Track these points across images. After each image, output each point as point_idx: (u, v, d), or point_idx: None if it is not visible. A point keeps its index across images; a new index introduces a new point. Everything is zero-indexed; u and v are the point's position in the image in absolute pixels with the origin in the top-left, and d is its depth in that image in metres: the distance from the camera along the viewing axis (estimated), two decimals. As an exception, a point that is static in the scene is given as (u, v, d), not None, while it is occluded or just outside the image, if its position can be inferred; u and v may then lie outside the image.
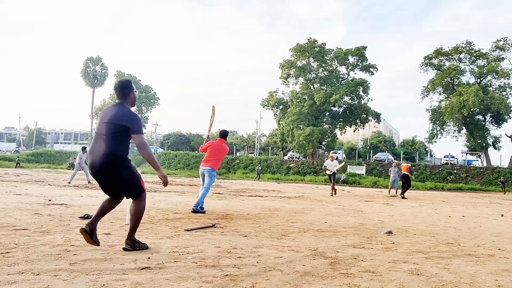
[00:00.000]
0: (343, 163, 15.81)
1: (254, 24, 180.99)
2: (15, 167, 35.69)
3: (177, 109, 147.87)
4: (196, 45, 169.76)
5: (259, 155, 52.68)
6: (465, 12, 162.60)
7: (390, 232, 5.34)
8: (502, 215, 9.21)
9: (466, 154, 46.31)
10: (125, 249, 3.42)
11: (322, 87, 44.25)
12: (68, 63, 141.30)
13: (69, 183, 13.73)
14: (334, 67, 46.64)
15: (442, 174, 37.32)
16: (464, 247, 4.55)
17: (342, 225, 6.07)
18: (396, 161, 20.21)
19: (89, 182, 14.39)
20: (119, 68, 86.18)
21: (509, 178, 33.37)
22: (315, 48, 44.48)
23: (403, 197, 14.98)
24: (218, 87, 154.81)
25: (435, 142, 44.48)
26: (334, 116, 45.50)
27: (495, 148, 41.70)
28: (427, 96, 43.43)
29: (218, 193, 12.57)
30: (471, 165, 41.50)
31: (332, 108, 44.86)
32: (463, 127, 41.84)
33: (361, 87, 43.10)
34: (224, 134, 7.52)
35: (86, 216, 5.33)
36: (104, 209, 3.50)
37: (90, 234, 3.30)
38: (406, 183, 15.26)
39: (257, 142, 57.94)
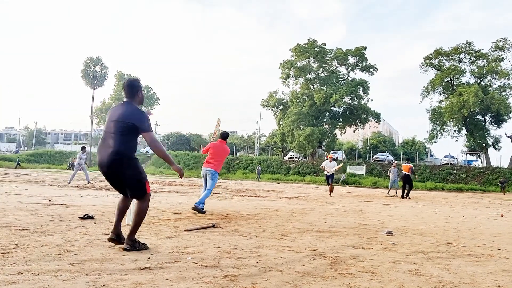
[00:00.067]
0: (341, 164, 15.75)
1: (254, 24, 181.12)
2: (15, 167, 35.70)
3: (177, 109, 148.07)
4: (196, 45, 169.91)
5: (259, 155, 52.67)
6: (465, 12, 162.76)
7: (390, 233, 5.34)
8: (502, 215, 9.22)
9: (466, 154, 46.32)
10: (125, 249, 3.43)
11: (322, 87, 44.26)
12: (68, 63, 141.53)
13: (69, 183, 13.72)
14: (334, 68, 46.66)
15: (442, 174, 37.33)
16: (464, 247, 4.55)
17: (342, 225, 6.07)
18: (396, 161, 20.19)
19: (89, 182, 14.39)
20: (119, 68, 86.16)
21: (509, 179, 33.38)
22: (315, 49, 44.50)
23: (409, 198, 14.93)
24: (218, 87, 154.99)
25: (435, 142, 44.52)
26: (334, 116, 45.51)
27: (495, 148, 41.72)
28: (427, 96, 43.48)
29: (218, 193, 12.56)
30: (471, 165, 41.50)
31: (332, 108, 44.87)
32: (463, 128, 41.85)
33: (361, 87, 43.12)
34: (224, 136, 7.58)
35: (86, 216, 5.32)
36: (121, 211, 3.63)
37: (118, 240, 3.46)
38: (407, 184, 15.23)
39: (257, 143, 57.93)
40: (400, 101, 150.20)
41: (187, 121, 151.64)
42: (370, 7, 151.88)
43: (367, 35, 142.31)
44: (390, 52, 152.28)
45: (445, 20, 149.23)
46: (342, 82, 45.47)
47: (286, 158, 48.62)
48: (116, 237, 3.55)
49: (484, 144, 40.86)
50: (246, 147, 60.97)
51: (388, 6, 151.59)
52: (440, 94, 43.30)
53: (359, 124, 45.26)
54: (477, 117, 41.47)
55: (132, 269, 2.86)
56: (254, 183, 27.76)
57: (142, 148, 53.79)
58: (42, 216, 5.34)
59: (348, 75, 46.40)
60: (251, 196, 12.43)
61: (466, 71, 41.41)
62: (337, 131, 46.69)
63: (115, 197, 9.23)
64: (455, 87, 40.87)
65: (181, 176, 3.81)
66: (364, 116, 44.23)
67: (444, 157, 44.38)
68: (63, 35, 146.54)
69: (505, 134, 41.19)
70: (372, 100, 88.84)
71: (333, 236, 4.90)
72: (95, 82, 50.64)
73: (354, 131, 48.91)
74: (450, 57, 41.52)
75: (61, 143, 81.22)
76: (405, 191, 15.32)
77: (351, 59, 45.38)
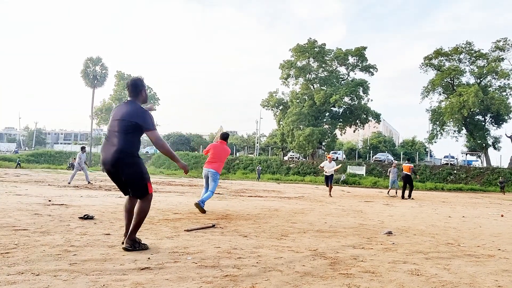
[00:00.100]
0: (340, 165, 15.68)
1: (254, 24, 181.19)
2: (15, 168, 35.71)
3: (177, 109, 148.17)
4: (196, 45, 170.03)
5: (259, 155, 52.67)
6: (465, 12, 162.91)
7: (390, 233, 5.34)
8: (502, 216, 9.21)
9: (466, 154, 46.33)
10: (125, 249, 3.43)
11: (322, 87, 44.26)
12: (68, 63, 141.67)
13: (69, 183, 13.72)
14: (334, 68, 46.66)
15: (442, 174, 37.33)
16: (464, 247, 4.55)
17: (342, 225, 6.07)
18: (396, 162, 20.19)
19: (89, 182, 14.39)
20: (119, 68, 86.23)
21: (509, 179, 33.38)
22: (315, 49, 44.51)
23: (412, 199, 14.90)
24: (218, 87, 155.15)
25: (435, 142, 44.53)
26: (334, 116, 45.51)
27: (495, 148, 41.72)
28: (427, 97, 43.50)
29: (218, 193, 12.55)
30: (471, 165, 41.50)
31: (332, 108, 44.87)
32: (463, 128, 41.85)
33: (361, 88, 43.12)
34: (225, 136, 7.61)
35: (86, 216, 5.32)
36: (129, 212, 3.62)
37: (133, 248, 3.46)
38: (408, 184, 15.21)
39: (257, 143, 57.94)
40: (400, 101, 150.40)
41: (187, 121, 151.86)
42: (370, 7, 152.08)
43: (367, 35, 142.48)
44: (390, 52, 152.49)
45: (445, 20, 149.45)
46: (342, 82, 45.47)
47: (286, 158, 48.63)
48: (132, 242, 3.61)
49: (484, 144, 40.86)
50: (246, 147, 60.98)
51: (388, 6, 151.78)
52: (440, 94, 43.33)
53: (359, 124, 45.26)
54: (477, 117, 41.47)
55: (132, 269, 2.86)
56: (254, 183, 27.76)
57: (142, 148, 53.80)
58: (42, 216, 5.34)
59: (348, 75, 46.42)
60: (251, 196, 12.43)
61: (466, 71, 41.44)
62: (337, 131, 46.69)
63: (115, 197, 9.23)
64: (455, 87, 40.87)
65: (186, 172, 3.90)
66: (364, 116, 44.23)
67: (444, 157, 44.38)
68: (63, 35, 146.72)
69: (505, 134, 41.24)
70: (372, 100, 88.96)
71: (333, 236, 4.90)
72: (95, 82, 50.63)
73: (354, 131, 48.93)
74: (450, 57, 41.53)
75: (61, 143, 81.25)
76: (406, 192, 15.31)
77: (351, 59, 45.39)
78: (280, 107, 48.22)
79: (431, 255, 3.97)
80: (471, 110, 37.71)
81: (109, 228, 4.62)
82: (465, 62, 41.64)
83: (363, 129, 50.88)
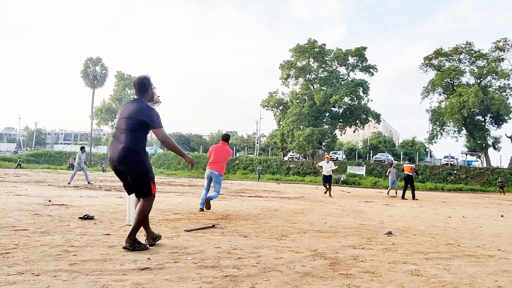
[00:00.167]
0: (336, 167, 15.54)
1: (254, 24, 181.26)
2: (16, 168, 35.73)
3: (177, 109, 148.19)
4: (196, 45, 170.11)
5: (259, 155, 52.68)
6: (465, 12, 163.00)
7: (390, 233, 5.34)
8: (502, 216, 9.21)
9: (466, 154, 46.35)
10: (125, 248, 3.43)
11: (322, 87, 44.27)
12: (68, 63, 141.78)
13: (69, 183, 13.72)
14: (334, 68, 46.67)
15: (442, 174, 37.34)
16: (464, 247, 4.55)
17: (342, 225, 6.07)
18: (395, 162, 20.20)
19: (89, 182, 14.39)
20: (119, 68, 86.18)
21: (509, 179, 33.38)
22: (315, 49, 44.52)
23: (416, 199, 14.82)
24: (218, 87, 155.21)
25: (435, 142, 44.57)
26: (334, 116, 45.52)
27: (495, 148, 41.73)
28: (427, 97, 43.52)
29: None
30: (471, 165, 41.51)
31: (332, 108, 44.88)
32: (463, 128, 41.86)
33: (361, 88, 43.13)
34: (226, 137, 7.71)
35: (86, 216, 5.32)
36: None
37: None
38: (409, 184, 15.17)
39: (257, 143, 57.95)
40: (400, 101, 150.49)
41: (187, 121, 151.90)
42: (370, 7, 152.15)
43: (367, 35, 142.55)
44: (390, 52, 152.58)
45: (445, 20, 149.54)
46: (342, 82, 45.48)
47: (286, 158, 48.63)
48: (152, 240, 3.73)
49: (484, 145, 40.87)
50: (246, 147, 60.99)
51: (388, 6, 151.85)
52: (440, 94, 43.35)
53: (359, 124, 45.27)
54: (477, 117, 41.48)
55: (132, 269, 2.86)
56: (254, 183, 27.75)
57: (142, 148, 53.72)
58: (42, 216, 5.34)
59: (348, 75, 46.43)
60: (251, 196, 12.43)
61: (466, 72, 41.46)
62: (337, 132, 46.70)
63: (115, 197, 9.23)
64: (455, 88, 40.89)
65: (193, 165, 4.03)
66: (364, 116, 44.24)
67: (444, 158, 44.37)
68: (63, 35, 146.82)
69: (505, 134, 41.25)
70: (372, 100, 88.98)
71: (333, 237, 4.90)
72: (95, 82, 50.64)
73: (354, 132, 48.94)
74: (450, 57, 41.55)
75: (61, 144, 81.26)
76: (407, 192, 15.28)
77: (351, 60, 45.41)
78: (280, 107, 48.23)
79: (431, 255, 3.97)
80: (471, 110, 37.72)
81: (109, 228, 4.61)
82: (465, 62, 41.66)
83: (363, 129, 50.92)
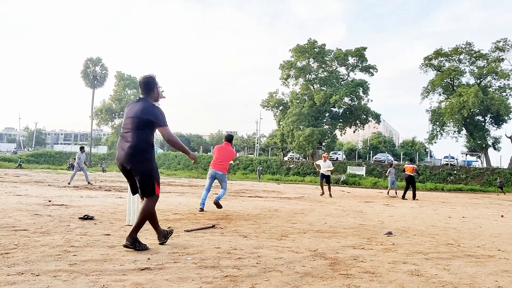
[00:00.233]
0: (332, 168, 15.36)
1: (254, 24, 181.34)
2: (16, 168, 35.76)
3: (177, 109, 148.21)
4: (196, 45, 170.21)
5: (259, 155, 52.69)
6: (465, 12, 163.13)
7: (390, 233, 5.34)
8: (502, 216, 9.21)
9: (466, 155, 46.37)
10: (125, 246, 3.44)
11: (322, 87, 44.28)
12: (68, 63, 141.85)
13: (69, 183, 13.72)
14: (334, 68, 46.69)
15: (442, 175, 37.34)
16: (464, 248, 4.55)
17: (342, 226, 6.07)
18: (395, 162, 20.23)
19: (89, 183, 14.39)
20: (119, 69, 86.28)
21: (509, 179, 33.37)
22: (315, 49, 44.53)
23: (416, 199, 14.80)
24: (218, 87, 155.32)
25: (435, 143, 44.59)
26: (334, 116, 45.53)
27: (495, 149, 41.74)
28: (427, 97, 43.55)
29: (218, 193, 12.54)
30: (471, 166, 41.52)
31: (332, 108, 44.90)
32: (463, 128, 41.87)
33: (361, 88, 43.15)
34: (229, 138, 7.76)
35: (86, 217, 5.32)
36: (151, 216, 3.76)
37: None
38: (411, 185, 15.15)
39: (257, 143, 57.95)
40: (400, 101, 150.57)
41: (187, 121, 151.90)
42: (370, 7, 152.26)
43: (367, 35, 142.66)
44: (390, 52, 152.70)
45: (445, 20, 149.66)
46: (342, 82, 45.49)
47: (286, 158, 48.65)
48: (164, 238, 3.81)
49: (484, 145, 40.87)
50: (246, 147, 61.00)
51: (388, 6, 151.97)
52: (440, 94, 43.36)
53: (359, 124, 45.27)
54: (477, 117, 41.49)
55: (132, 269, 2.86)
56: (254, 183, 27.75)
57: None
58: (42, 216, 5.34)
59: (348, 75, 46.45)
60: (251, 196, 12.43)
61: (466, 72, 41.47)
62: (337, 132, 46.72)
63: (115, 197, 9.23)
64: (455, 88, 40.90)
65: (195, 162, 4.21)
66: (364, 116, 44.25)
67: (444, 158, 44.39)
68: (63, 35, 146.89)
69: (505, 134, 41.26)
70: (372, 100, 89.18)
71: (333, 237, 4.90)
72: (95, 82, 50.65)
73: (354, 132, 48.94)
74: (450, 57, 41.57)
75: (61, 144, 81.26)
76: (408, 192, 15.27)
77: (351, 60, 45.43)
78: (280, 108, 48.24)
79: (431, 255, 3.97)
80: (471, 110, 37.72)
81: (109, 229, 4.61)
82: (465, 63, 41.68)
83: (363, 129, 50.92)
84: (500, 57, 39.80)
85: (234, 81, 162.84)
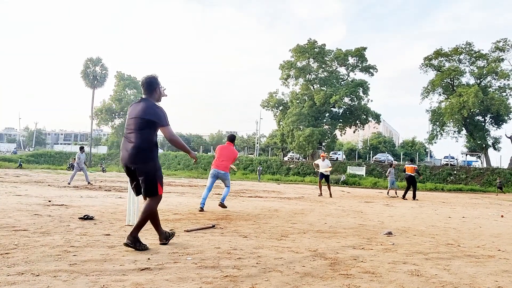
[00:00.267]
0: (331, 167, 15.26)
1: (254, 24, 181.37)
2: (17, 168, 35.78)
3: (177, 109, 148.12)
4: (196, 45, 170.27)
5: (259, 155, 52.69)
6: (465, 12, 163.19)
7: (390, 233, 5.34)
8: (502, 216, 9.21)
9: (466, 155, 46.37)
10: (125, 244, 3.44)
11: (322, 88, 44.29)
12: (68, 63, 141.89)
13: (69, 184, 13.72)
14: (334, 68, 46.70)
15: (442, 175, 37.34)
16: (464, 248, 4.55)
17: (342, 226, 6.06)
18: (395, 162, 20.26)
19: (88, 183, 14.39)
20: (119, 69, 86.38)
21: (509, 179, 33.37)
22: (315, 49, 44.54)
23: (416, 200, 14.76)
24: (218, 87, 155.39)
25: (435, 143, 44.57)
26: (334, 117, 45.53)
27: (495, 149, 41.74)
28: (427, 97, 43.55)
29: (219, 194, 12.55)
30: (471, 166, 41.52)
31: (332, 109, 44.90)
32: (463, 128, 41.88)
33: (361, 88, 43.16)
34: (232, 138, 7.85)
35: (86, 217, 5.32)
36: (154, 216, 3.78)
37: (167, 241, 3.73)
38: (412, 185, 15.13)
39: (257, 143, 57.96)
40: (400, 101, 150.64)
41: (187, 121, 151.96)
42: (370, 7, 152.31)
43: (367, 35, 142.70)
44: (390, 52, 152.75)
45: (445, 20, 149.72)
46: (342, 82, 45.50)
47: (286, 158, 48.64)
48: (165, 239, 3.81)
49: (484, 145, 40.88)
50: (246, 147, 61.00)
51: (388, 6, 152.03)
52: (440, 94, 43.37)
53: (359, 124, 45.28)
54: (477, 117, 41.50)
55: (132, 269, 2.86)
56: (254, 183, 27.75)
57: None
58: (42, 216, 5.34)
59: (348, 75, 46.45)
60: (251, 196, 12.44)
61: (466, 72, 41.48)
62: (337, 132, 46.72)
63: (115, 197, 9.23)
64: (455, 88, 40.90)
65: (196, 161, 4.27)
66: (364, 116, 44.26)
67: (444, 158, 44.40)
68: (63, 35, 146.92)
69: (505, 134, 41.27)
70: (372, 100, 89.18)
71: (333, 237, 4.90)
72: (95, 82, 50.68)
73: (354, 132, 48.95)
74: (450, 57, 41.58)
75: (61, 144, 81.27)
76: (408, 192, 15.26)
77: (351, 60, 45.44)
78: (280, 108, 48.25)
79: (431, 255, 3.97)
80: (471, 110, 37.73)
81: (109, 229, 4.61)
82: (465, 63, 41.69)
83: (363, 129, 50.93)
84: (500, 57, 39.81)
85: (234, 81, 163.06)
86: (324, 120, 45.23)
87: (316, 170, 14.80)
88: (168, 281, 2.63)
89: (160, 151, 52.49)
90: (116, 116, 57.27)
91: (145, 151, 3.55)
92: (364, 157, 48.73)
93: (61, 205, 6.93)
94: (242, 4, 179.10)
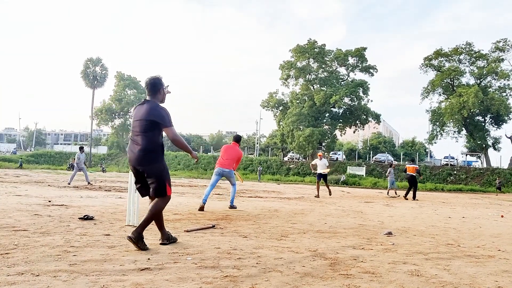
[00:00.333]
0: (329, 169, 15.12)
1: (254, 24, 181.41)
2: (17, 168, 35.79)
3: (177, 109, 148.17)
4: (196, 45, 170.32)
5: (259, 156, 52.69)
6: (465, 12, 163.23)
7: (390, 233, 5.34)
8: (502, 216, 9.21)
9: (466, 155, 46.37)
10: (129, 238, 3.46)
11: (322, 88, 44.30)
12: (68, 64, 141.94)
13: (69, 184, 13.72)
14: (334, 68, 46.71)
15: (442, 175, 37.34)
16: (464, 248, 4.55)
17: (342, 226, 6.06)
18: (395, 162, 20.28)
19: (88, 183, 14.39)
20: (119, 69, 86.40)
21: (508, 179, 33.37)
22: (315, 49, 44.55)
23: (416, 200, 14.74)
24: (218, 87, 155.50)
25: (435, 143, 44.58)
26: (334, 117, 45.54)
27: (495, 149, 41.76)
28: (427, 97, 43.59)
29: (218, 194, 12.55)
30: (471, 166, 41.52)
31: (332, 109, 44.90)
32: (463, 128, 41.89)
33: (361, 88, 43.17)
34: (237, 138, 8.00)
35: (86, 217, 5.32)
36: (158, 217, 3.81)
37: (168, 242, 3.80)
38: (413, 185, 15.12)
39: (257, 143, 57.96)
40: (400, 101, 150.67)
41: (187, 121, 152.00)
42: (370, 7, 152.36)
43: (367, 35, 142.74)
44: (390, 52, 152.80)
45: (445, 20, 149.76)
46: (342, 82, 45.51)
47: (286, 158, 48.65)
48: (167, 240, 3.83)
49: (484, 145, 40.89)
50: (246, 147, 61.00)
51: (388, 6, 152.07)
52: (440, 95, 43.40)
53: (359, 124, 45.29)
54: (477, 118, 41.51)
55: (132, 269, 2.86)
56: (254, 183, 27.74)
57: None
58: (42, 216, 5.34)
59: (348, 75, 46.46)
60: (251, 196, 12.43)
61: (466, 72, 41.50)
62: (337, 132, 46.73)
63: (115, 197, 9.23)
64: (455, 88, 40.91)
65: (197, 160, 4.34)
66: (364, 117, 44.27)
67: (444, 158, 44.41)
68: (63, 35, 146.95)
69: (505, 135, 41.29)
70: (372, 100, 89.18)
71: (333, 237, 4.90)
72: (95, 82, 50.70)
73: (354, 132, 48.96)
74: (450, 57, 41.60)
75: (61, 144, 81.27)
76: (410, 192, 15.25)
77: (351, 60, 45.45)
78: (280, 108, 48.25)
79: (431, 255, 3.97)
80: (471, 110, 37.74)
81: (109, 229, 4.61)
82: (465, 63, 41.71)
83: (363, 129, 50.93)
84: (500, 57, 39.83)
85: (234, 81, 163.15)
86: (324, 120, 45.24)
87: (313, 171, 14.66)
88: (168, 281, 2.63)
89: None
90: (116, 116, 57.28)
91: (151, 153, 3.58)
92: (364, 157, 48.73)
93: (61, 205, 6.93)
94: (242, 4, 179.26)
